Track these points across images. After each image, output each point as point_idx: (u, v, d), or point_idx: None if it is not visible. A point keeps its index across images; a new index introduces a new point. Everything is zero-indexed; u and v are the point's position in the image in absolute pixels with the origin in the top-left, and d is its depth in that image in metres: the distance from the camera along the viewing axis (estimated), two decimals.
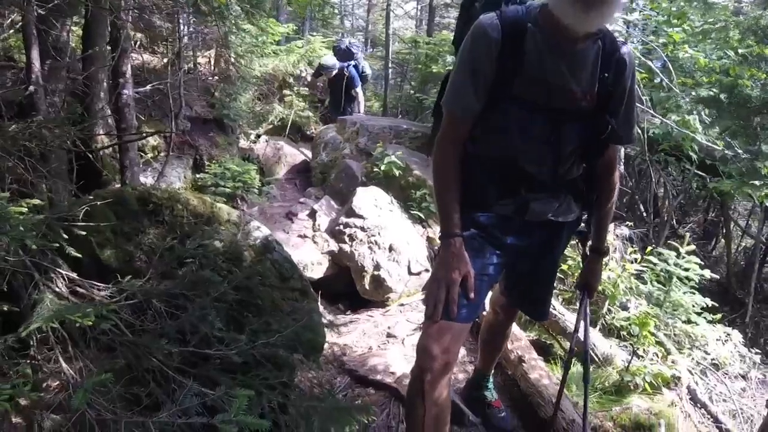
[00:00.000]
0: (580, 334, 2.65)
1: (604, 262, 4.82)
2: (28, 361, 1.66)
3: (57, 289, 1.80)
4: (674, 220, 10.26)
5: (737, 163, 5.21)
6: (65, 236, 1.92)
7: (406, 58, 15.93)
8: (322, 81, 10.15)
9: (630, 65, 2.13)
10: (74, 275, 1.92)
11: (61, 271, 1.88)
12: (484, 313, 3.37)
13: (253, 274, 2.66)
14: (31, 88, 3.33)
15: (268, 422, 1.58)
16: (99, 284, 1.97)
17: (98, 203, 2.32)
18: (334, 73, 9.23)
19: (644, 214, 9.01)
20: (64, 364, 1.57)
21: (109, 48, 4.71)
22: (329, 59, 9.26)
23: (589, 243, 2.57)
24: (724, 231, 9.71)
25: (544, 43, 1.98)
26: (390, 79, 16.43)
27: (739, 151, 5.03)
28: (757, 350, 5.24)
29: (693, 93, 5.95)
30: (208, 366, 2.00)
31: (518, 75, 2.01)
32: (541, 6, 2.00)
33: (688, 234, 5.76)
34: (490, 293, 2.80)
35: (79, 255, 1.96)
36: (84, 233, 2.05)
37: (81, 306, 1.68)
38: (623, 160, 9.16)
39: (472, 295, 2.09)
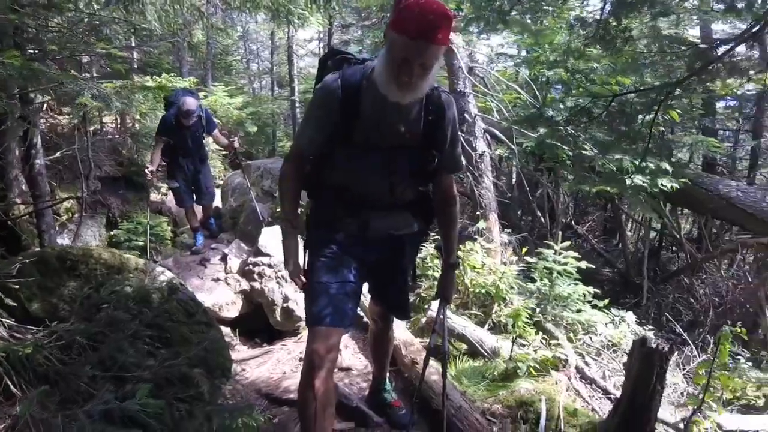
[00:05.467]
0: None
1: (489, 269, 5.53)
2: None
3: (2, 333, 2.26)
4: (572, 221, 11.14)
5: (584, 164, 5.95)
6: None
7: (308, 98, 16.43)
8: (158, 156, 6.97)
9: (449, 109, 2.65)
10: (12, 321, 2.39)
11: (1, 319, 2.34)
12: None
13: (162, 313, 3.15)
14: None
15: (163, 401, 2.10)
16: (32, 327, 2.44)
17: (26, 262, 2.78)
18: (194, 118, 6.91)
19: (542, 219, 9.74)
20: (13, 389, 2.02)
21: (20, 119, 5.04)
22: (190, 101, 6.84)
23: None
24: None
25: (378, 95, 2.48)
26: (298, 117, 16.98)
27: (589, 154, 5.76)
28: (651, 327, 5.83)
29: (561, 106, 6.64)
30: (126, 387, 2.48)
31: (357, 121, 2.52)
32: (373, 68, 2.54)
33: (560, 233, 6.41)
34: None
35: (15, 304, 2.43)
36: (17, 287, 2.52)
37: (21, 342, 2.16)
38: (515, 174, 10.01)
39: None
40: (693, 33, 11.34)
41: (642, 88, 5.10)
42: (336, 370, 4.28)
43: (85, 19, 5.02)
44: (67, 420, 1.86)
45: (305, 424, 2.61)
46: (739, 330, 3.34)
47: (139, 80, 7.02)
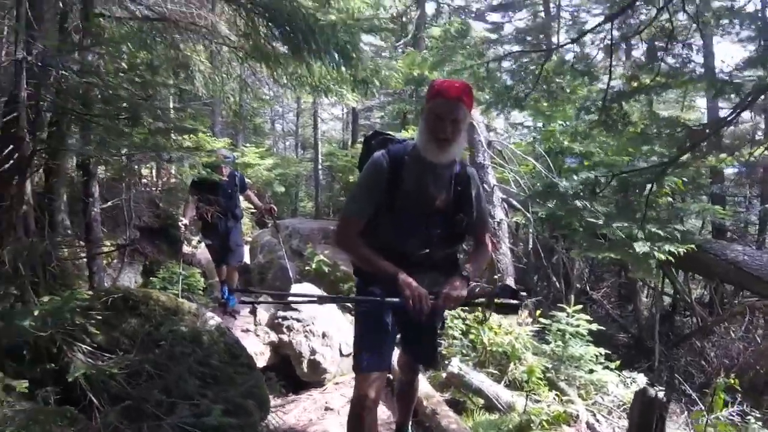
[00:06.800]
0: None
1: (505, 330, 5.81)
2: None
3: (80, 357, 2.59)
4: (587, 287, 11.36)
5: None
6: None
7: (333, 162, 16.95)
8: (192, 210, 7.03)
9: (473, 179, 3.11)
10: (92, 348, 2.73)
11: (81, 345, 2.68)
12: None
13: (212, 353, 3.47)
14: (24, 207, 3.85)
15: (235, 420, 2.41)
16: (106, 354, 2.77)
17: (107, 300, 3.15)
18: (229, 170, 7.22)
19: (557, 284, 9.99)
20: (96, 402, 2.34)
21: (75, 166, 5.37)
22: (224, 150, 7.58)
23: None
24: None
25: (417, 168, 2.96)
26: (321, 179, 17.49)
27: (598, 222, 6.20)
28: (660, 388, 6.04)
29: (575, 178, 7.06)
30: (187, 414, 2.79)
31: (399, 190, 2.97)
32: (415, 144, 3.01)
33: (573, 297, 6.70)
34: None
35: (98, 332, 2.78)
36: (100, 317, 2.87)
37: (103, 364, 2.49)
38: (531, 241, 10.37)
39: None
40: (701, 102, 11.82)
41: (637, 168, 5.52)
42: None
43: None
44: (154, 428, 2.17)
45: None
46: (732, 382, 3.59)
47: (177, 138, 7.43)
